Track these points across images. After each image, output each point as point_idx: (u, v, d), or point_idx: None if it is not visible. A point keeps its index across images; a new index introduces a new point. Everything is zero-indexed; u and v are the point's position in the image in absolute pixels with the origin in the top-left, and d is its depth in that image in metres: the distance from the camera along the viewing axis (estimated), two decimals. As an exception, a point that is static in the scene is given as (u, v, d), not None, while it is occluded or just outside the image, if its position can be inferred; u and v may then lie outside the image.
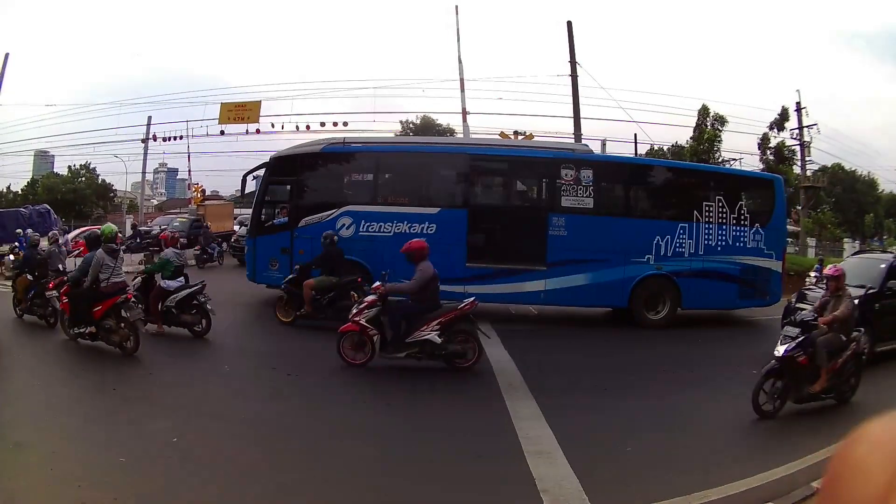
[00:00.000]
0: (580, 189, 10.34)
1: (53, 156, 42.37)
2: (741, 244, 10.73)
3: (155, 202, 53.53)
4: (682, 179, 12.25)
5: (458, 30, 24.30)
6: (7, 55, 30.16)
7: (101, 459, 4.50)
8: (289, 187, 11.29)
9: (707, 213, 10.73)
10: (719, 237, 10.70)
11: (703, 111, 28.90)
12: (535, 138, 23.37)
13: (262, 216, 11.26)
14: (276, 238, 10.87)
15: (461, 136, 24.09)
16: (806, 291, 9.85)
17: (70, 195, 33.76)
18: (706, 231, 10.65)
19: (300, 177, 11.22)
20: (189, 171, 31.29)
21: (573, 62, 21.48)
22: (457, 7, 24.71)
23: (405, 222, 10.34)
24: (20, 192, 38.24)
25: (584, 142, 23.21)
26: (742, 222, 10.81)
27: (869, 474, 0.47)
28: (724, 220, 10.74)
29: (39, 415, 5.52)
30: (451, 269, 9.48)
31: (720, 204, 10.76)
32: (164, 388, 6.45)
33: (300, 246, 10.49)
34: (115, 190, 40.88)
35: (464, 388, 6.48)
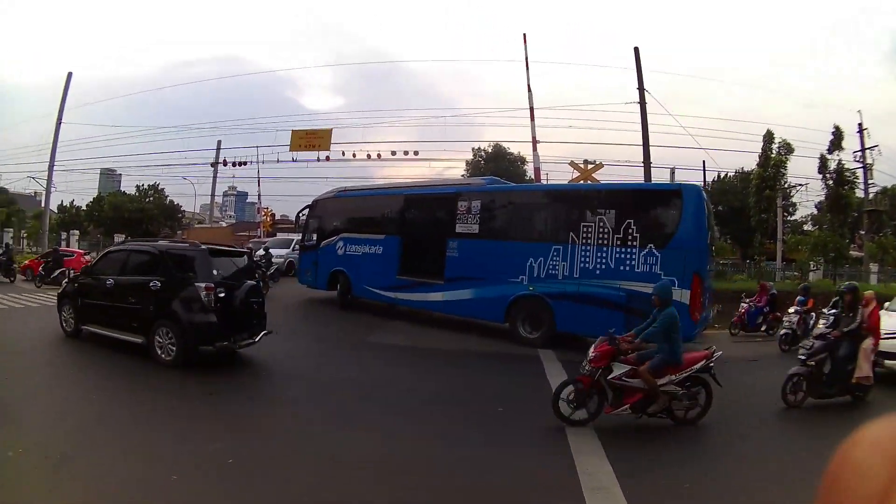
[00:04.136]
0: (469, 217, 12.02)
1: (120, 174, 44.11)
2: (626, 268, 9.78)
3: (224, 224, 54.85)
4: (558, 201, 11.78)
5: (526, 58, 24.54)
6: (70, 74, 30.73)
7: (151, 476, 4.43)
8: (318, 220, 15.75)
9: (584, 234, 10.25)
10: (598, 260, 10.09)
11: (768, 136, 28.64)
12: (605, 167, 23.38)
13: (304, 240, 16.25)
14: (310, 255, 15.63)
15: (531, 164, 24.39)
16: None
17: (137, 214, 35.00)
18: (582, 253, 10.24)
19: (323, 213, 15.69)
20: (259, 195, 32.15)
21: (641, 89, 21.48)
22: (525, 35, 24.96)
23: (366, 245, 13.97)
24: (85, 208, 39.95)
25: (652, 169, 23.05)
26: (629, 243, 9.82)
27: (868, 475, 0.48)
28: (605, 242, 10.03)
29: (90, 428, 5.50)
30: (388, 279, 13.15)
31: (601, 224, 10.15)
32: (224, 409, 6.39)
33: (321, 259, 15.11)
34: (184, 210, 42.30)
35: (526, 419, 6.36)
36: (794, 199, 31.55)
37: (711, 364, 6.18)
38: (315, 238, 15.64)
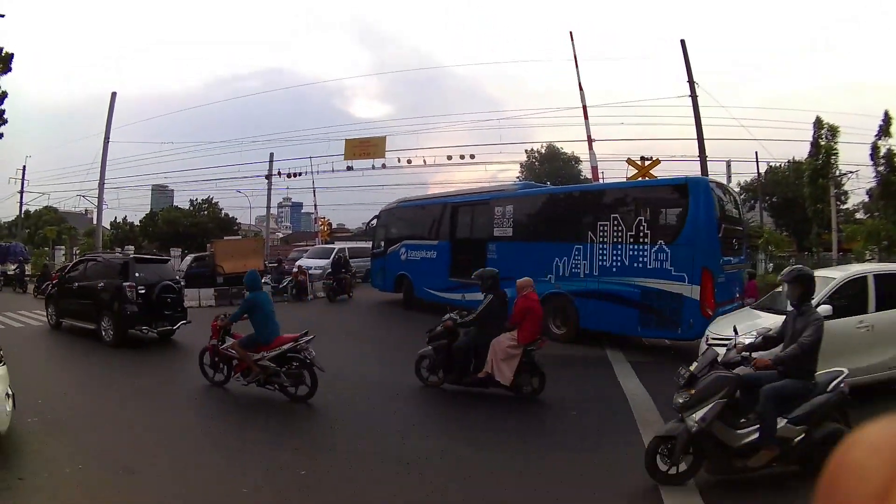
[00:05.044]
0: (504, 221, 12.79)
1: (172, 190, 45.51)
2: (639, 265, 9.86)
3: (280, 235, 55.89)
4: (578, 201, 12.23)
5: (575, 56, 24.65)
6: (114, 94, 31.00)
7: (220, 490, 4.37)
8: (384, 229, 17.56)
9: (601, 233, 10.56)
10: (614, 257, 10.31)
11: (818, 123, 28.45)
12: (662, 163, 23.46)
13: (374, 247, 18.17)
14: (379, 260, 17.45)
15: (587, 163, 24.65)
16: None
17: (193, 229, 36.02)
18: (600, 251, 10.55)
19: (388, 222, 17.50)
20: (315, 205, 32.80)
21: (691, 82, 21.47)
22: (571, 33, 25.07)
23: (423, 250, 15.38)
24: (138, 224, 41.30)
25: (709, 162, 23.22)
26: (641, 240, 9.90)
27: (867, 477, 0.47)
28: (620, 239, 10.23)
29: (157, 441, 5.43)
30: (442, 281, 14.41)
31: (615, 222, 10.37)
32: (295, 420, 6.39)
33: (388, 264, 16.71)
34: (239, 223, 43.30)
35: (598, 419, 6.34)
36: (845, 188, 31.24)
37: (303, 347, 6.75)
38: (383, 245, 17.44)
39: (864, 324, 6.77)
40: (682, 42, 22.53)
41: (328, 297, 18.54)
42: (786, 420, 4.37)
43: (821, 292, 6.65)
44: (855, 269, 7.75)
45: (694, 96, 22.41)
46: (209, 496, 4.32)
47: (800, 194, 30.81)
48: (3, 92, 23.21)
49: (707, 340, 7.33)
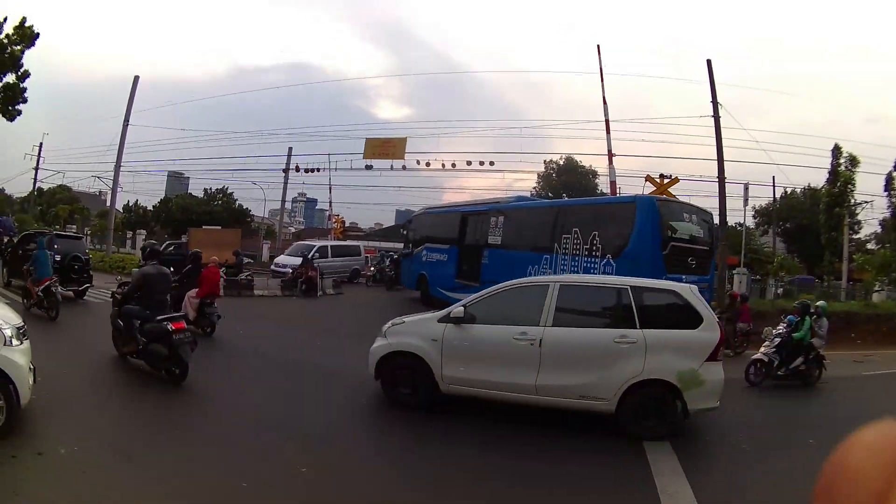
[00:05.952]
0: (496, 230, 14.19)
1: (188, 177, 45.74)
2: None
3: (293, 230, 56.08)
4: (547, 215, 13.63)
5: (601, 70, 24.76)
6: (136, 77, 30.29)
7: (218, 482, 4.32)
8: (412, 232, 19.41)
9: (563, 245, 11.61)
10: (571, 268, 11.17)
11: (836, 151, 28.48)
12: (680, 182, 23.51)
13: (404, 248, 20.37)
14: (406, 261, 19.39)
15: (605, 177, 24.81)
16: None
17: (206, 217, 36.17)
18: (561, 261, 11.53)
19: (415, 227, 19.51)
20: (330, 202, 32.90)
21: (714, 102, 21.53)
22: (599, 47, 25.17)
23: (438, 253, 16.80)
24: (151, 209, 41.54)
25: (726, 185, 23.35)
26: (594, 253, 10.75)
27: (864, 480, 0.47)
28: (577, 251, 11.19)
29: (155, 429, 5.37)
30: (450, 281, 15.58)
31: (575, 235, 11.37)
32: (297, 417, 6.26)
33: (412, 265, 18.38)
34: (253, 215, 43.49)
35: (606, 439, 6.04)
36: (858, 217, 31.31)
37: (54, 285, 10.80)
38: (410, 247, 19.07)
39: (527, 336, 6.03)
40: (709, 62, 22.42)
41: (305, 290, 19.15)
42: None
43: (474, 296, 6.73)
44: (535, 278, 7.33)
45: (717, 117, 22.35)
46: (203, 488, 4.26)
47: (814, 221, 30.80)
48: (24, 71, 23.22)
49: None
